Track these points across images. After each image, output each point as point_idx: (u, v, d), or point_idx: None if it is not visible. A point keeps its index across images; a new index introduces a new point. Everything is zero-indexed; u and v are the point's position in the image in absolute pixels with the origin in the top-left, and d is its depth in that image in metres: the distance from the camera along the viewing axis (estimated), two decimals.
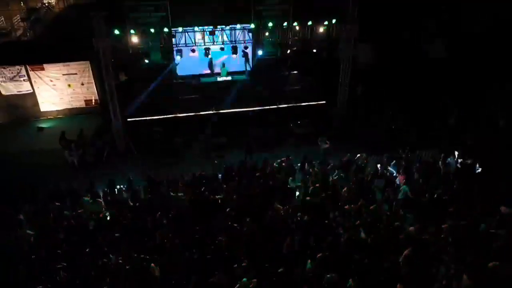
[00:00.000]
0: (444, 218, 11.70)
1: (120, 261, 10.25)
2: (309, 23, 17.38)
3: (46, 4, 44.92)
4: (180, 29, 18.37)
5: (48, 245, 10.88)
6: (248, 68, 22.48)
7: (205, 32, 17.73)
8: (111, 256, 10.42)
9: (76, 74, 20.57)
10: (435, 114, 19.44)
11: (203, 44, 17.86)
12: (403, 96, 21.09)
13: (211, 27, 17.78)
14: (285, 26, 18.81)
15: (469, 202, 12.59)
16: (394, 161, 14.93)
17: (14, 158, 17.63)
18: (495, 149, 16.13)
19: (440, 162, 14.71)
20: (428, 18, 24.12)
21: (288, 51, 20.97)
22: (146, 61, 20.05)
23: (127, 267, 10.03)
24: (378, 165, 14.98)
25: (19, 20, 35.22)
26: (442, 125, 18.77)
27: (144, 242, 11.17)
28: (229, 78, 21.65)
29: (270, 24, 19.16)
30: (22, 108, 20.81)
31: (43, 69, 20.19)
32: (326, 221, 11.69)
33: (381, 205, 12.61)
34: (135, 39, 16.11)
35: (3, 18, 34.67)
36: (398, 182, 14.03)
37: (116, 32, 15.59)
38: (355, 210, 12.17)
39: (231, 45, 18.47)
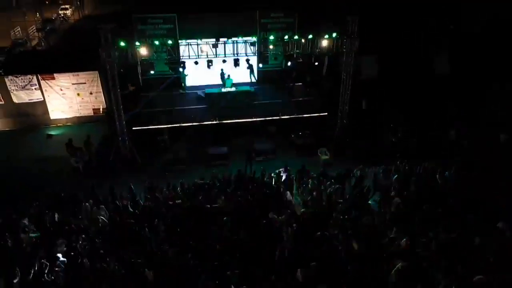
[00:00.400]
0: (437, 231, 11.84)
1: (117, 266, 10.61)
2: (310, 36, 17.60)
3: (62, 15, 46.41)
4: (183, 41, 18.84)
5: (49, 248, 11.31)
6: (253, 80, 22.94)
7: (208, 45, 18.15)
8: (108, 260, 10.76)
9: (85, 83, 21.22)
10: (437, 127, 19.53)
11: (205, 56, 18.26)
12: (405, 109, 21.34)
13: (214, 39, 18.16)
14: (287, 39, 19.22)
15: (463, 215, 12.68)
16: (381, 170, 15.08)
17: (23, 164, 18.24)
18: (495, 163, 16.18)
19: (437, 175, 14.77)
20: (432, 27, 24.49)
21: (289, 63, 21.26)
22: (152, 72, 20.71)
23: (122, 271, 10.40)
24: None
25: (35, 31, 36.55)
26: (443, 138, 18.85)
27: (141, 248, 11.52)
28: (233, 89, 22.09)
29: (273, 37, 19.58)
30: (33, 116, 21.52)
31: (53, 78, 20.88)
32: (319, 232, 11.89)
33: (376, 217, 12.75)
34: (142, 51, 16.58)
35: (19, 29, 36.02)
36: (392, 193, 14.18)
37: (122, 44, 16.01)
38: (348, 221, 12.37)
39: (233, 57, 18.84)
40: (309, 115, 20.74)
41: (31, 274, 10.27)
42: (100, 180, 16.09)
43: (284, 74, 24.12)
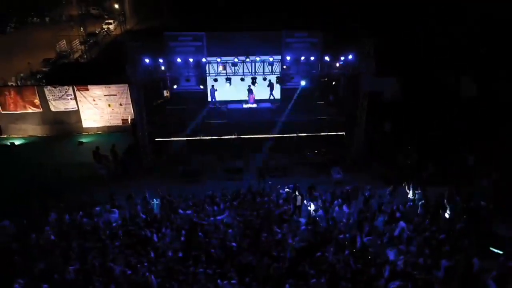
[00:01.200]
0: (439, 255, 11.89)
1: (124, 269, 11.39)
2: (326, 58, 18.09)
3: (105, 30, 49.27)
4: (204, 59, 19.76)
5: (64, 248, 12.28)
6: (272, 97, 23.57)
7: (226, 64, 19.06)
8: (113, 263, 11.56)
9: (115, 95, 22.62)
10: (456, 152, 19.28)
11: (225, 74, 19.12)
12: (427, 132, 21.21)
13: (233, 58, 19.01)
14: (312, 58, 19.74)
15: (468, 241, 12.60)
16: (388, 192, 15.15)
17: (54, 168, 19.60)
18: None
19: (445, 200, 14.68)
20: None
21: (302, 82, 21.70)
22: (175, 86, 21.81)
23: (128, 273, 11.16)
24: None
25: (78, 44, 39.10)
26: (461, 163, 18.60)
27: (147, 253, 12.27)
28: (254, 105, 22.79)
29: (300, 56, 20.20)
30: (67, 124, 23.14)
31: (87, 89, 22.42)
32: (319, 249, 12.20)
33: (377, 238, 12.88)
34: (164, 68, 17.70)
35: (64, 42, 38.66)
36: (398, 215, 14.25)
37: (147, 60, 17.13)
38: (348, 241, 12.60)
39: (251, 76, 19.56)
40: (326, 133, 21.01)
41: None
42: (121, 186, 17.20)
43: (308, 93, 24.65)
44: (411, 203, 14.90)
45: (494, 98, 23.02)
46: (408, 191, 15.58)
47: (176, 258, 12.11)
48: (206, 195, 15.42)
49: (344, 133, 21.04)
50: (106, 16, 58.29)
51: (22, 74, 31.59)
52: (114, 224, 13.64)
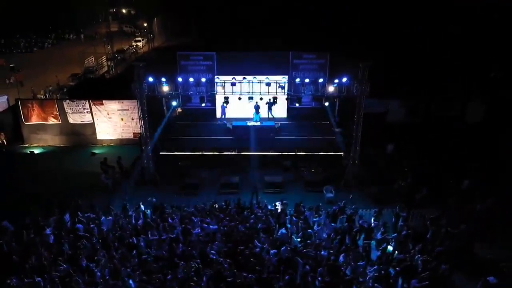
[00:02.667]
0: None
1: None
2: (320, 80, 18.69)
3: (134, 47, 51.77)
4: (203, 79, 20.83)
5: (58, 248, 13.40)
6: (271, 116, 24.32)
7: (223, 83, 20.08)
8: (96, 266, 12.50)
9: (128, 110, 23.99)
10: (453, 175, 19.25)
11: (223, 93, 20.10)
12: (427, 155, 21.27)
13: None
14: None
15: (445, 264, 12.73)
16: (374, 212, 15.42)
17: (65, 176, 21.02)
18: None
19: (428, 222, 14.83)
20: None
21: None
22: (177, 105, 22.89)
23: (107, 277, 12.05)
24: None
25: (105, 60, 41.40)
26: (456, 187, 18.56)
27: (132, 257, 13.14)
28: (258, 123, 23.57)
29: (306, 77, 20.95)
30: (83, 135, 24.69)
31: (102, 104, 23.94)
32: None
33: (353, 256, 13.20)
34: (165, 88, 18.89)
35: (92, 58, 41.07)
36: (379, 236, 14.49)
37: (150, 79, 18.35)
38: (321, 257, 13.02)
39: (248, 95, 20.38)
40: (324, 153, 21.45)
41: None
42: (122, 196, 18.25)
43: (313, 112, 25.29)
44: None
45: (500, 124, 22.85)
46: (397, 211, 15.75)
47: (157, 265, 12.90)
48: (194, 206, 16.22)
49: (342, 153, 21.35)
50: (137, 34, 61.31)
51: (50, 87, 33.91)
52: (105, 230, 14.63)
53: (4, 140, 24.63)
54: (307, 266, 12.38)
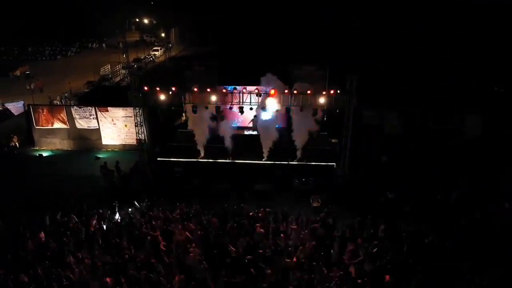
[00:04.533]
0: None
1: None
2: (308, 91, 19.10)
3: (151, 56, 53.43)
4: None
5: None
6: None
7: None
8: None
9: (131, 116, 24.91)
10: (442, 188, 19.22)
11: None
12: (419, 168, 21.29)
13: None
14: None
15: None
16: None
17: (68, 179, 22.11)
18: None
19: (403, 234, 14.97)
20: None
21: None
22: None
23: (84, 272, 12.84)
24: None
25: (121, 69, 43.01)
26: (444, 200, 18.53)
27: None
28: (255, 132, 24.11)
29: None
30: (89, 140, 25.89)
31: (107, 110, 25.07)
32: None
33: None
34: (161, 96, 19.80)
35: (109, 66, 42.74)
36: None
37: (145, 88, 19.25)
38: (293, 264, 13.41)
39: (238, 105, 20.92)
40: (317, 163, 21.77)
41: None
42: (117, 199, 19.07)
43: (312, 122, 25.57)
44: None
45: (500, 139, 22.61)
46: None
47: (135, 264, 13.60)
48: (179, 210, 16.91)
49: (334, 164, 21.61)
50: (156, 43, 63.20)
51: (66, 94, 35.57)
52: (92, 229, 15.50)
53: (17, 143, 26.10)
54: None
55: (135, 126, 20.57)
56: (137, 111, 20.46)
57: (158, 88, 19.76)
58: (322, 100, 19.06)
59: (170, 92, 21.40)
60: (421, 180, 20.15)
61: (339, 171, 20.35)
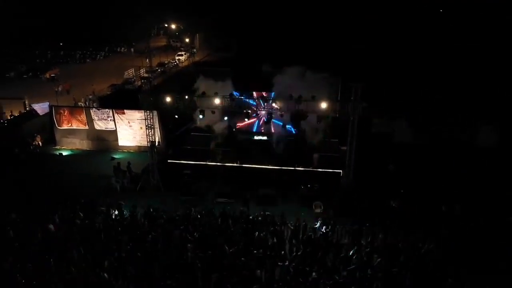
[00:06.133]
0: None
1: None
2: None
3: (176, 60, 54.68)
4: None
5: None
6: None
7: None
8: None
9: (146, 119, 25.82)
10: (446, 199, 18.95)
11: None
12: (427, 178, 21.03)
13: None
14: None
15: None
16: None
17: (83, 178, 23.13)
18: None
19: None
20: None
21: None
22: (200, 116, 24.29)
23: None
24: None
25: (144, 72, 44.36)
26: (447, 212, 18.26)
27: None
28: (265, 138, 24.48)
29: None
30: (106, 141, 26.95)
31: (124, 113, 26.05)
32: None
33: None
34: (167, 98, 20.59)
35: (133, 70, 44.17)
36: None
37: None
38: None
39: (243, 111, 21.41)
40: (324, 169, 21.89)
41: None
42: (126, 198, 19.85)
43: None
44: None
45: None
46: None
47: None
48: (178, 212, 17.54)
49: (341, 171, 21.66)
50: (182, 48, 64.63)
51: (90, 96, 37.01)
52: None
53: (40, 142, 27.46)
54: None
55: (146, 128, 21.20)
56: (147, 114, 21.07)
57: (168, 93, 20.46)
58: (323, 105, 19.18)
59: (187, 97, 22.39)
60: (427, 190, 19.90)
61: (343, 178, 20.37)
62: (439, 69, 26.52)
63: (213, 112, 21.36)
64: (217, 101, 20.73)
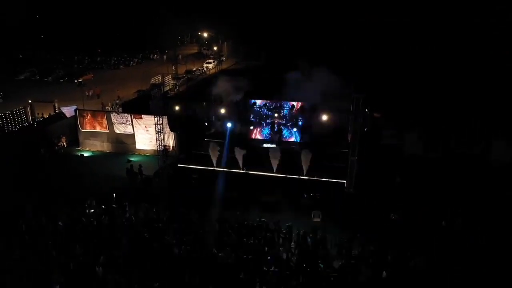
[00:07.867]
0: None
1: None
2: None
3: (203, 68, 56.12)
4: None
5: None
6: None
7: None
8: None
9: (162, 124, 26.91)
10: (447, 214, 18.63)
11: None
12: (434, 192, 20.72)
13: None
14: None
15: None
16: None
17: (99, 178, 24.41)
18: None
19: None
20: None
21: None
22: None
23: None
24: None
25: (171, 79, 45.93)
26: (447, 226, 17.96)
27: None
28: (273, 145, 24.90)
29: None
30: (125, 144, 28.26)
31: (141, 118, 27.25)
32: None
33: None
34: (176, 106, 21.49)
35: (159, 77, 45.83)
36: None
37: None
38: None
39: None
40: (327, 179, 22.03)
41: None
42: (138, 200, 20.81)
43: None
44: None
45: None
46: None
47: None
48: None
49: (345, 181, 21.73)
50: (211, 56, 66.23)
51: (117, 101, 38.82)
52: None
53: (65, 143, 29.16)
54: None
55: (156, 133, 22.16)
56: (157, 119, 22.02)
57: (184, 100, 21.42)
58: (324, 117, 19.43)
59: (204, 103, 23.26)
60: (431, 204, 19.62)
61: (345, 189, 20.44)
62: (454, 82, 25.95)
63: (218, 120, 22.02)
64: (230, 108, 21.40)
